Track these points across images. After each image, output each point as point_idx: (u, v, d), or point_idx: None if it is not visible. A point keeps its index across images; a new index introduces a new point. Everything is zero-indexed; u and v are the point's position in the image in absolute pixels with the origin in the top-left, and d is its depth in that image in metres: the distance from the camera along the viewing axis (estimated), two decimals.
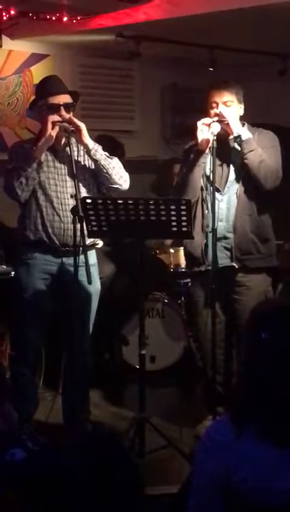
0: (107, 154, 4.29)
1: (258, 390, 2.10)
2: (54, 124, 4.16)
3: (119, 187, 4.32)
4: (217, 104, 4.31)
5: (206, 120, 4.24)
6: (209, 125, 4.22)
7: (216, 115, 4.27)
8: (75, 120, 4.20)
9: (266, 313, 2.21)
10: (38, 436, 4.07)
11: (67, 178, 4.27)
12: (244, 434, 2.09)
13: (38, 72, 6.24)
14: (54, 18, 5.37)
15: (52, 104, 4.23)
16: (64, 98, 4.26)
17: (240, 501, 2.08)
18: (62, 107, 4.22)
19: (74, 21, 5.45)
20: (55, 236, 4.26)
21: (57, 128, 4.17)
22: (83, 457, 1.48)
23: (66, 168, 4.27)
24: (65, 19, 5.38)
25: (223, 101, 4.31)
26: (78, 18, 5.44)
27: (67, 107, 4.25)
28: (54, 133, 4.17)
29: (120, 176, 4.29)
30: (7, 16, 5.32)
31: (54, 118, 4.17)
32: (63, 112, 4.21)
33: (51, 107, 4.22)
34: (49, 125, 4.16)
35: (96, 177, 4.33)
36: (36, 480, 1.48)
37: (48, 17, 5.37)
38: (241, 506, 2.09)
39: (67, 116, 4.22)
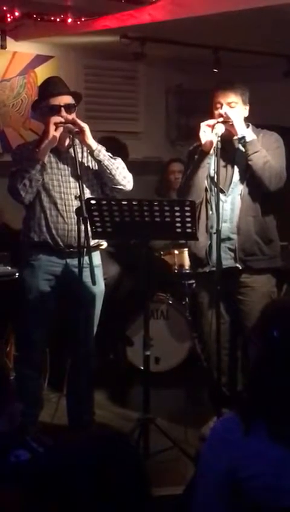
0: (110, 154, 4.29)
1: (269, 388, 2.09)
2: (56, 125, 4.16)
3: (123, 187, 4.31)
4: (222, 104, 4.31)
5: (210, 121, 4.24)
6: (213, 126, 4.22)
7: (220, 115, 4.27)
8: (79, 121, 4.20)
9: (278, 312, 2.22)
10: (43, 437, 4.09)
11: (71, 179, 4.27)
12: (253, 431, 2.09)
13: (42, 74, 6.24)
14: (58, 19, 5.38)
15: (53, 105, 4.23)
16: (66, 99, 4.26)
17: (248, 500, 2.08)
18: (63, 108, 4.22)
19: (78, 22, 5.45)
20: (60, 238, 4.26)
21: (60, 130, 4.17)
22: (89, 457, 1.47)
23: (69, 169, 4.27)
24: (69, 20, 5.39)
25: (228, 101, 4.30)
26: (83, 19, 5.44)
27: (69, 108, 4.24)
28: (56, 134, 4.17)
29: (123, 177, 4.29)
30: (11, 17, 5.33)
31: (57, 119, 4.17)
32: (64, 113, 4.20)
33: (52, 108, 4.22)
34: (52, 127, 4.16)
35: (99, 178, 4.33)
36: (41, 481, 1.47)
37: (52, 18, 5.38)
38: (249, 506, 2.08)
39: (70, 117, 4.22)
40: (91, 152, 4.24)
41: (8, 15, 5.30)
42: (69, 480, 1.44)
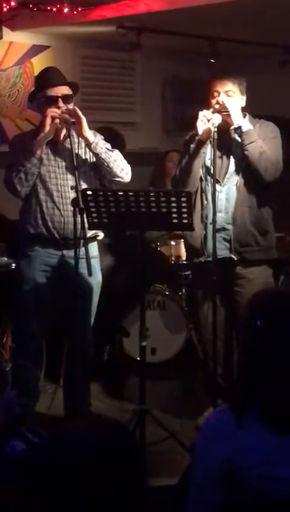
0: (108, 146, 4.27)
1: (257, 378, 2.09)
2: (53, 118, 4.14)
3: (121, 180, 4.30)
4: (219, 93, 4.29)
5: (208, 114, 4.21)
6: (209, 120, 4.20)
7: (217, 103, 4.26)
8: (79, 112, 4.17)
9: (260, 301, 2.22)
10: (39, 428, 4.09)
11: (68, 171, 4.25)
12: (245, 423, 2.09)
13: (39, 64, 6.22)
14: (54, 9, 5.35)
15: (50, 96, 4.20)
16: (63, 90, 4.24)
17: (242, 491, 2.08)
18: (60, 99, 4.19)
19: (75, 12, 5.43)
20: (56, 230, 4.25)
21: (56, 122, 4.15)
22: (86, 447, 1.47)
23: (66, 161, 4.26)
24: (66, 10, 5.36)
25: (225, 90, 4.29)
26: (79, 9, 5.42)
27: (66, 98, 4.22)
28: (53, 127, 4.15)
29: (121, 169, 4.28)
30: (7, 7, 5.31)
31: (53, 111, 4.14)
32: (61, 104, 4.18)
33: (49, 99, 4.20)
34: (48, 120, 4.13)
35: (97, 170, 4.31)
36: (36, 471, 1.47)
37: (49, 8, 5.35)
38: (244, 496, 2.08)
39: (70, 107, 4.19)
40: (88, 145, 4.22)
41: (4, 5, 5.28)
42: (65, 471, 1.43)
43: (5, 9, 5.33)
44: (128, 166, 4.33)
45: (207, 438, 2.17)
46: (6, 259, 5.23)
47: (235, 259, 4.38)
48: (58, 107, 4.16)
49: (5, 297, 4.58)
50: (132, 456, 1.50)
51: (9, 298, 4.45)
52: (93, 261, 4.20)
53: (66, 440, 1.48)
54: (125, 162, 4.31)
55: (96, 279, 4.38)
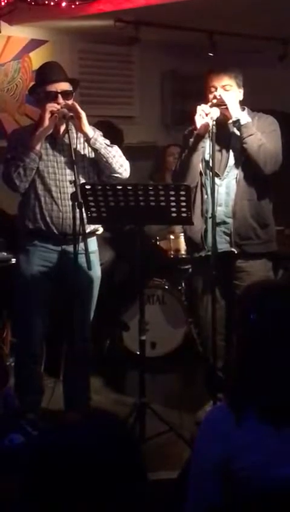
0: (108, 142, 4.26)
1: (252, 372, 2.09)
2: (52, 112, 4.13)
3: (120, 175, 4.29)
4: (216, 88, 4.29)
5: (206, 108, 4.21)
6: (208, 114, 4.19)
7: (215, 98, 4.25)
8: (78, 107, 4.16)
9: (253, 295, 2.21)
10: (39, 422, 4.09)
11: (66, 166, 4.24)
12: (244, 421, 2.09)
13: (37, 58, 6.22)
14: (52, 3, 5.35)
15: (49, 92, 4.19)
16: (63, 86, 4.22)
17: (241, 489, 2.08)
18: (60, 95, 4.19)
19: (73, 6, 5.42)
20: (54, 226, 4.24)
21: (55, 117, 4.14)
22: (84, 440, 1.47)
23: (65, 156, 4.25)
24: (64, 4, 5.35)
25: (222, 85, 4.28)
26: (77, 3, 5.41)
27: (66, 94, 4.21)
28: (52, 122, 4.14)
29: (120, 165, 4.27)
30: (5, 1, 5.30)
31: (52, 106, 4.13)
32: (61, 100, 4.17)
33: (49, 94, 4.19)
34: (47, 115, 4.12)
35: (96, 165, 4.30)
36: (35, 464, 1.47)
37: (47, 2, 5.35)
38: (242, 494, 2.08)
39: (70, 102, 4.18)
40: (87, 140, 4.21)
41: None
42: (62, 464, 1.43)
43: (2, 3, 5.34)
44: (127, 162, 4.32)
45: (206, 436, 2.17)
46: (6, 254, 5.23)
47: (236, 252, 4.38)
48: (58, 103, 4.15)
49: (5, 292, 4.59)
50: (129, 448, 1.50)
51: (10, 293, 4.45)
52: (92, 255, 4.20)
53: (63, 433, 1.48)
54: (124, 158, 4.30)
55: (96, 274, 4.38)
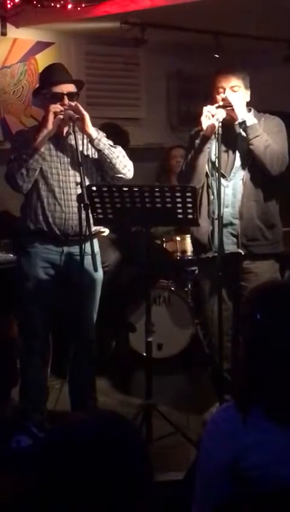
0: (111, 143, 4.26)
1: (259, 371, 2.09)
2: (56, 114, 4.14)
3: (124, 176, 4.29)
4: (225, 89, 4.29)
5: (212, 109, 4.21)
6: (214, 115, 4.19)
7: (223, 100, 4.25)
8: (81, 108, 4.17)
9: (259, 294, 2.21)
10: (46, 423, 4.09)
11: (70, 167, 4.24)
12: (251, 420, 2.09)
13: (43, 60, 6.22)
14: (58, 6, 5.36)
15: (55, 93, 4.19)
16: (68, 87, 4.23)
17: (249, 488, 2.07)
18: (65, 97, 4.20)
19: (79, 8, 5.44)
20: (56, 227, 4.23)
21: (59, 118, 4.14)
22: (91, 441, 1.47)
23: (68, 157, 4.25)
24: (70, 6, 5.37)
25: (231, 86, 4.28)
26: (83, 5, 5.43)
27: (71, 96, 4.21)
28: (55, 123, 4.15)
29: (124, 165, 4.27)
30: (12, 3, 5.32)
31: (56, 107, 4.14)
32: (66, 102, 4.18)
33: (54, 96, 4.20)
34: (51, 116, 4.13)
35: (99, 166, 4.31)
36: (41, 466, 1.47)
37: (53, 4, 5.36)
38: (250, 493, 2.08)
39: (73, 103, 4.19)
40: (91, 141, 4.21)
41: (9, 1, 5.30)
42: (70, 465, 1.44)
43: (9, 5, 5.35)
44: (131, 163, 4.32)
45: (213, 436, 2.16)
46: (12, 255, 5.24)
47: (243, 253, 4.38)
48: (63, 104, 4.16)
49: (10, 293, 4.59)
50: (136, 449, 1.50)
51: (14, 295, 4.45)
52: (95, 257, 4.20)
53: (70, 434, 1.49)
54: (127, 158, 4.31)
55: (98, 275, 4.37)
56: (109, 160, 4.21)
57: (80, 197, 3.96)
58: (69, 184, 4.22)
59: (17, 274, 4.40)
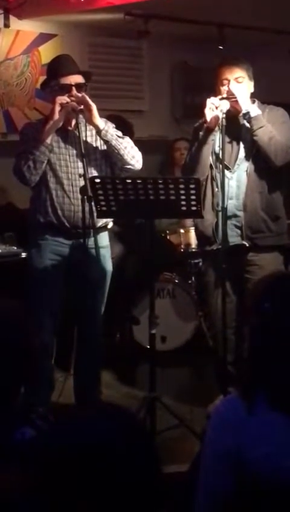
0: (119, 133, 4.25)
1: (265, 361, 2.09)
2: (62, 105, 4.13)
3: (132, 167, 4.28)
4: (229, 80, 4.27)
5: (215, 101, 4.19)
6: (218, 107, 4.18)
7: (227, 91, 4.24)
8: (88, 99, 4.15)
9: (267, 284, 2.21)
10: (50, 416, 4.09)
11: (79, 159, 4.23)
12: (256, 411, 2.08)
13: (46, 52, 6.22)
14: None
15: (63, 85, 4.18)
16: (76, 78, 4.22)
17: (253, 480, 2.07)
18: (74, 88, 4.18)
19: (82, 0, 5.41)
20: (65, 219, 4.23)
21: (65, 110, 4.13)
22: (95, 434, 1.46)
23: (77, 149, 4.23)
24: None
25: (235, 77, 4.27)
26: None
27: (80, 87, 4.20)
28: (62, 115, 4.13)
29: (132, 156, 4.26)
30: None
31: (62, 99, 4.13)
32: (75, 92, 4.16)
33: (63, 87, 4.18)
34: (57, 107, 4.12)
35: (108, 158, 4.29)
36: (44, 459, 1.47)
37: None
38: (254, 485, 2.07)
39: (80, 95, 4.17)
40: (98, 132, 4.20)
41: None
42: (75, 458, 1.43)
43: None
44: (140, 153, 4.31)
45: (217, 427, 2.15)
46: (16, 248, 5.24)
47: (247, 245, 4.37)
48: (71, 96, 4.15)
49: (15, 286, 4.58)
50: (142, 441, 1.49)
51: (20, 287, 4.45)
52: (104, 250, 4.19)
53: (74, 427, 1.48)
54: (136, 149, 4.29)
55: (107, 269, 4.37)
56: (116, 151, 4.20)
57: (83, 189, 3.95)
58: (77, 176, 4.21)
59: (27, 266, 4.40)
